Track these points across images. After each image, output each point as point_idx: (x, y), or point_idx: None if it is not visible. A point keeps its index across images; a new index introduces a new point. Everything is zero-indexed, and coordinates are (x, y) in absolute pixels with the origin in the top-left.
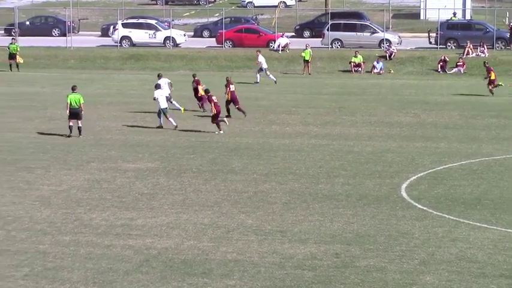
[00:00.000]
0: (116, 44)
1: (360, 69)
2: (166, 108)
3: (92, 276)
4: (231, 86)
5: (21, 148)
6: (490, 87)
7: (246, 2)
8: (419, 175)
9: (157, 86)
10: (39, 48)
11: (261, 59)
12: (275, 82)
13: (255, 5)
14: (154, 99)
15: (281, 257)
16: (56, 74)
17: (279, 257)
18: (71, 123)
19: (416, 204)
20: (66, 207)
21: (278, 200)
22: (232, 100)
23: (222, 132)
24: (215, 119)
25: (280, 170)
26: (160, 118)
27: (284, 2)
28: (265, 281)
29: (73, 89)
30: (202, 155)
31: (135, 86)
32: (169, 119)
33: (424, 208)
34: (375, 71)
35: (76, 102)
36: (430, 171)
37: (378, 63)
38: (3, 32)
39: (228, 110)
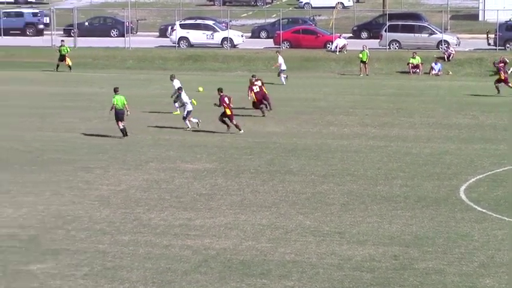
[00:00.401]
0: (174, 44)
1: (417, 70)
2: (191, 110)
3: (151, 276)
4: (253, 87)
5: (80, 148)
6: (496, 85)
7: (304, 2)
8: (478, 177)
9: (181, 89)
10: (98, 49)
11: (281, 60)
12: (283, 83)
13: (313, 5)
14: (184, 103)
15: (339, 259)
16: (115, 75)
17: (337, 258)
18: (121, 126)
19: (476, 207)
20: (125, 207)
21: (336, 201)
22: (258, 100)
23: (242, 131)
24: (224, 116)
25: (338, 171)
26: (194, 119)
27: (342, 3)
28: (323, 282)
29: (116, 90)
30: (259, 155)
31: (194, 87)
32: (187, 121)
33: (484, 210)
34: (433, 72)
35: (122, 104)
36: (489, 173)
37: (436, 64)
38: (62, 32)
39: (261, 109)
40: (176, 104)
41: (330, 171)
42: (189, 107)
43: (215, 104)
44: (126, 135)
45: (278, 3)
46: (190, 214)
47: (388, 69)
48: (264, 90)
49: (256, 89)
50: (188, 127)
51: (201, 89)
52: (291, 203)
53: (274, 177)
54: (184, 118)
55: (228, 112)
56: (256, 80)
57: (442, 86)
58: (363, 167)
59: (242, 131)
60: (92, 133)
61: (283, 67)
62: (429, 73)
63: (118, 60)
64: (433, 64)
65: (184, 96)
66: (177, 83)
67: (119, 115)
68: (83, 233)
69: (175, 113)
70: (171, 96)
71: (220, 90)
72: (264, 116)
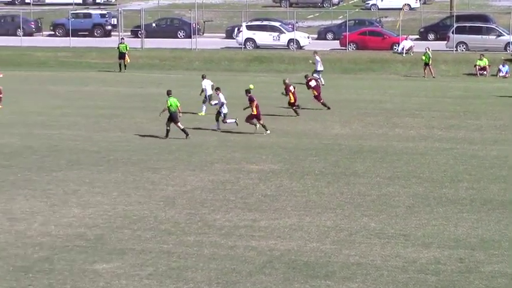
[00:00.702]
0: (240, 46)
1: (485, 72)
2: (227, 112)
3: (216, 276)
4: (290, 87)
5: (147, 149)
6: None
7: (370, 4)
8: None
9: (219, 89)
10: (165, 50)
11: (318, 59)
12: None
13: (379, 7)
14: (217, 103)
15: (404, 261)
16: (181, 76)
17: (402, 260)
18: (181, 126)
19: None
20: (190, 207)
21: (401, 203)
22: (294, 100)
23: (258, 128)
24: (250, 119)
25: (403, 173)
26: (219, 122)
27: (408, 5)
28: (387, 284)
29: (169, 93)
30: (325, 157)
31: (260, 88)
32: (228, 120)
33: None
34: (501, 74)
35: (175, 106)
36: None
37: (503, 66)
38: (129, 33)
39: (295, 110)
40: (212, 102)
41: (396, 174)
42: (225, 109)
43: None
44: (188, 135)
45: (345, 4)
46: (255, 215)
47: (454, 71)
48: (319, 91)
49: (292, 89)
50: (218, 128)
51: (251, 86)
52: (355, 205)
53: (339, 179)
54: (223, 119)
55: (254, 112)
56: (310, 80)
57: (510, 88)
58: (429, 169)
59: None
60: (158, 134)
61: (320, 67)
62: (496, 75)
63: (185, 61)
64: (501, 66)
65: (222, 97)
66: (206, 83)
67: (173, 117)
68: (149, 233)
69: (201, 113)
70: (205, 97)
71: (248, 91)
72: (298, 115)
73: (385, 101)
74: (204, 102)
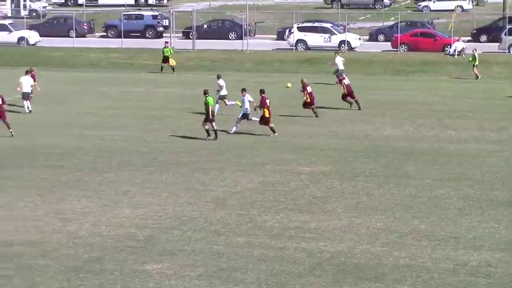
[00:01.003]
0: (291, 47)
1: None
2: (249, 113)
3: (265, 278)
4: (307, 88)
5: (197, 150)
6: None
7: (422, 6)
8: None
9: (245, 90)
10: (216, 52)
11: (338, 60)
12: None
13: (431, 9)
14: (233, 104)
15: (454, 264)
16: (232, 77)
17: (452, 263)
18: (207, 126)
19: None
20: (240, 208)
21: (452, 205)
22: (310, 102)
23: (276, 134)
24: (263, 120)
25: (454, 175)
26: (252, 121)
27: (461, 6)
28: (438, 287)
29: (206, 92)
30: (375, 159)
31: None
32: (237, 125)
33: None
34: None
35: (213, 105)
36: None
37: None
38: (181, 34)
39: (313, 111)
40: (228, 102)
41: (447, 176)
42: (248, 110)
43: (256, 107)
44: (217, 137)
45: (396, 6)
46: (305, 217)
47: (507, 73)
48: (349, 90)
49: (309, 89)
50: (256, 120)
51: (289, 85)
52: (406, 206)
53: (390, 181)
54: (239, 119)
55: (267, 114)
56: (344, 78)
57: None
58: (480, 171)
59: (277, 133)
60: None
61: (341, 67)
62: None
63: (236, 63)
64: None
65: (248, 97)
66: (222, 83)
67: (213, 116)
68: (199, 234)
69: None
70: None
71: (262, 91)
72: (316, 116)
73: (437, 103)
74: (217, 102)
